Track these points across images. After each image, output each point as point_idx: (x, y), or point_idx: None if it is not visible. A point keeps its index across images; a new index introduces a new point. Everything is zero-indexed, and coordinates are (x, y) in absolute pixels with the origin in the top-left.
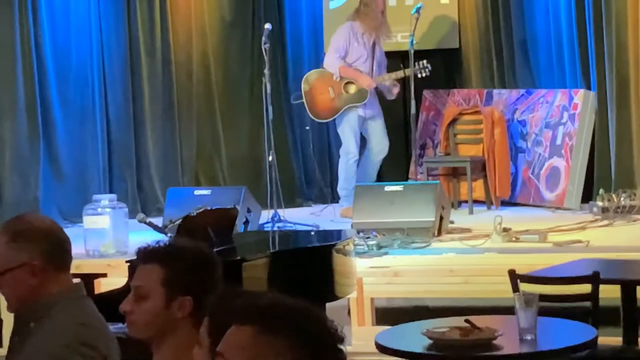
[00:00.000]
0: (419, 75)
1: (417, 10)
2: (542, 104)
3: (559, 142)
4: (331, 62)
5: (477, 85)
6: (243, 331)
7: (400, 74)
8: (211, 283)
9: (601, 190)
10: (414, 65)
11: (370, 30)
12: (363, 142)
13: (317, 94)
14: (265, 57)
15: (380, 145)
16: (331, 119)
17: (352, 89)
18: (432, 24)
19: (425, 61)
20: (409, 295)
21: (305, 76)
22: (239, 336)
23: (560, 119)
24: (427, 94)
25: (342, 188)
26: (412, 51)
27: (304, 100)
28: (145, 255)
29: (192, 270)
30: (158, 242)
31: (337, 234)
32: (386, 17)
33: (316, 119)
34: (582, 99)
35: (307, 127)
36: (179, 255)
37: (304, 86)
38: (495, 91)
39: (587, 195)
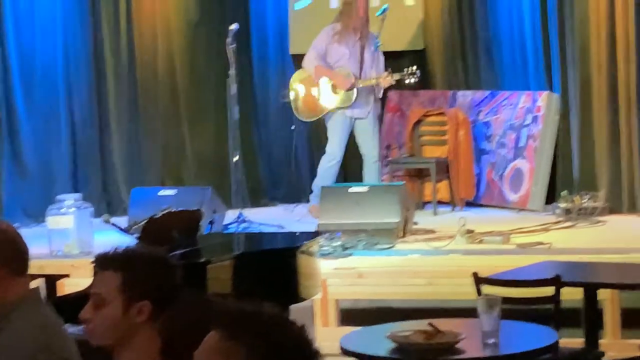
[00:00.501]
0: (407, 81)
1: (383, 12)
2: (506, 106)
3: (522, 143)
4: (307, 61)
5: (442, 86)
6: (210, 336)
7: (386, 80)
8: (169, 287)
9: (564, 192)
10: (404, 70)
11: (351, 30)
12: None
13: (304, 93)
14: (231, 58)
15: (366, 147)
16: (316, 118)
17: (340, 89)
18: (397, 26)
19: (414, 67)
20: (374, 297)
21: (293, 75)
22: (206, 340)
23: (523, 121)
24: (392, 95)
25: (315, 186)
26: (367, 55)
27: (290, 99)
28: (102, 262)
29: (149, 275)
30: (116, 248)
31: (302, 236)
32: (368, 20)
33: (302, 118)
34: (546, 101)
35: (293, 127)
36: (135, 260)
37: (292, 84)
38: (460, 93)
39: (551, 197)
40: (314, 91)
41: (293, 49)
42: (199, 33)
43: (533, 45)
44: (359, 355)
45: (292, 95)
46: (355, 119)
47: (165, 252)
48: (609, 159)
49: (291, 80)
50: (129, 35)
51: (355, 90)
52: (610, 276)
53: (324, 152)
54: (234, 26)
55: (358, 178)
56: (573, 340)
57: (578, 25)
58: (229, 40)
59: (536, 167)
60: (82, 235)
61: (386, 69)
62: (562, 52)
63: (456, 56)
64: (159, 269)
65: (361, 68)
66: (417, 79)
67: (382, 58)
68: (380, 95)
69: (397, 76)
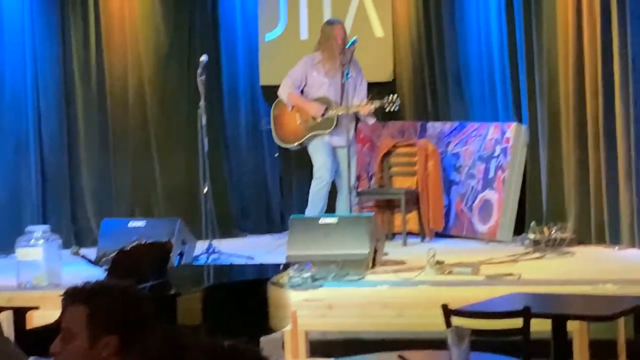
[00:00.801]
0: (387, 109)
1: (352, 44)
2: (475, 137)
3: (491, 175)
4: (281, 89)
5: (411, 117)
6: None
7: (366, 107)
8: (138, 321)
9: (533, 223)
10: (385, 99)
11: (330, 59)
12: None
13: (285, 120)
14: (201, 89)
15: (343, 177)
16: (295, 144)
17: (321, 116)
18: (367, 57)
19: (395, 95)
20: (343, 328)
21: (275, 101)
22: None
23: (492, 152)
24: (361, 126)
25: (307, 213)
26: (347, 83)
27: (271, 126)
28: (70, 295)
29: (116, 309)
30: (86, 282)
31: (272, 267)
32: (349, 50)
33: (281, 144)
34: (514, 132)
35: (277, 155)
36: (102, 294)
37: (273, 111)
38: (429, 124)
39: (519, 228)
40: (294, 118)
41: (263, 80)
42: (169, 64)
43: (502, 76)
44: None
45: (272, 122)
46: (335, 147)
47: (134, 284)
48: (577, 191)
49: (272, 107)
50: (99, 66)
51: (335, 117)
52: (579, 307)
53: (294, 183)
54: (203, 58)
55: (330, 207)
56: None
57: (546, 56)
58: (199, 71)
59: (505, 198)
60: (51, 267)
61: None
62: (530, 84)
63: (425, 87)
64: (126, 303)
65: (342, 97)
66: (397, 108)
67: (364, 87)
68: (371, 121)
69: (377, 103)
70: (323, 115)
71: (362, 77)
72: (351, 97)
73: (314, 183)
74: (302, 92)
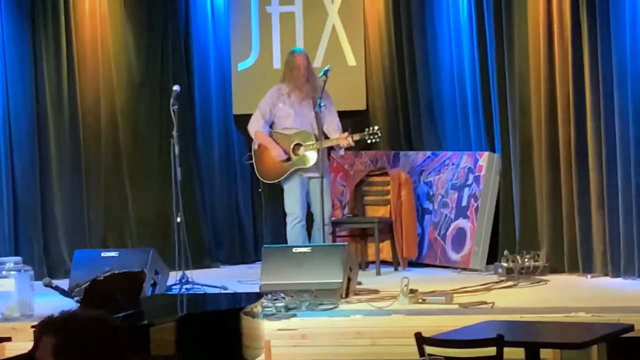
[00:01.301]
0: (369, 141)
1: (325, 73)
2: (448, 165)
3: (464, 203)
4: (250, 126)
5: (385, 146)
6: None
7: (346, 140)
8: (109, 351)
9: (506, 252)
10: (365, 131)
11: (295, 90)
12: None
13: (266, 155)
14: (174, 118)
15: (317, 207)
16: (277, 180)
17: (300, 151)
18: (339, 86)
19: (376, 127)
20: (317, 358)
21: None
22: None
23: (465, 180)
24: (334, 155)
25: None
26: (321, 113)
27: (253, 160)
28: (43, 326)
29: (86, 339)
30: (60, 312)
31: (245, 297)
32: (314, 78)
33: (263, 180)
34: (487, 161)
35: (260, 190)
36: (73, 324)
37: (253, 146)
38: (402, 153)
39: (493, 256)
40: (274, 153)
41: (236, 109)
42: (142, 93)
43: (474, 105)
44: None
45: (253, 157)
46: (309, 178)
47: (107, 313)
48: (550, 219)
49: (253, 141)
50: (71, 94)
51: (316, 152)
52: (552, 335)
53: (267, 213)
54: (176, 87)
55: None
56: None
57: (518, 85)
58: (171, 101)
59: (478, 226)
60: (23, 298)
61: (344, 128)
62: (502, 112)
63: (398, 117)
64: (100, 333)
65: (317, 127)
66: (378, 139)
67: (334, 115)
68: (342, 153)
69: (357, 136)
70: (286, 159)
71: (331, 105)
72: (324, 127)
73: (288, 220)
74: (272, 124)
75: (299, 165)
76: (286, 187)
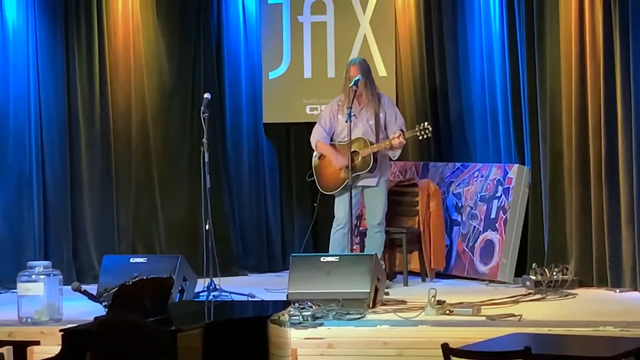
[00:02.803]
0: (420, 137)
1: (355, 83)
2: (477, 177)
3: (493, 215)
4: (311, 137)
5: (414, 157)
6: None
7: (396, 140)
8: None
9: (534, 265)
10: (416, 127)
11: (347, 101)
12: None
13: (325, 166)
14: (204, 126)
15: (370, 215)
16: (337, 190)
17: (357, 159)
18: None
19: (426, 123)
20: None
21: (314, 152)
22: None
23: (494, 192)
24: (392, 157)
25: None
26: (350, 123)
27: (314, 177)
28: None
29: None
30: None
31: (273, 305)
32: (372, 86)
33: (323, 192)
34: (517, 173)
35: (315, 204)
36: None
37: (314, 160)
38: (431, 164)
39: (521, 269)
40: (331, 164)
41: (266, 118)
42: (173, 100)
43: (504, 117)
44: None
45: (315, 171)
46: (364, 187)
47: (145, 320)
48: (579, 232)
49: (313, 156)
50: (102, 102)
51: (371, 156)
52: (579, 349)
53: (296, 221)
54: (207, 95)
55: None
56: None
57: (549, 98)
58: (202, 108)
59: (506, 239)
60: (52, 302)
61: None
62: (532, 124)
63: None
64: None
65: (375, 136)
66: (430, 134)
67: (392, 124)
68: (396, 156)
69: (409, 134)
70: (342, 167)
71: (392, 112)
72: (383, 133)
73: (333, 225)
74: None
75: (358, 172)
76: (337, 193)
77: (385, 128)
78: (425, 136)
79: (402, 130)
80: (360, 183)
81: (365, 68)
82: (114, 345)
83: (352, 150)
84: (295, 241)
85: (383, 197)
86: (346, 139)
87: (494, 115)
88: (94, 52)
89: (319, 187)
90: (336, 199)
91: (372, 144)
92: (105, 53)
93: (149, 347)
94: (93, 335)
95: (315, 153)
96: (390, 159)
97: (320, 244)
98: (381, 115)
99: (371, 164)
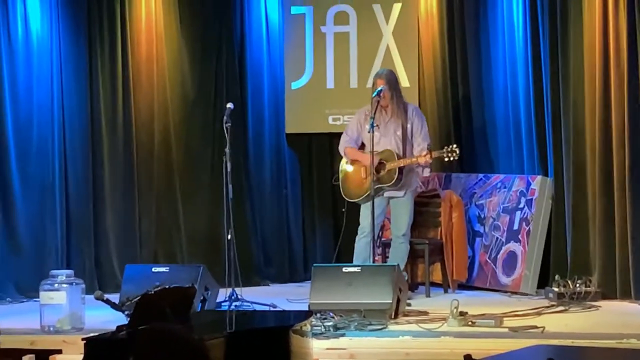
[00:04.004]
0: (446, 159)
1: (378, 94)
2: (500, 189)
3: (516, 227)
4: (340, 146)
5: (436, 168)
6: None
7: (424, 158)
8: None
9: (557, 276)
10: (444, 148)
11: (378, 111)
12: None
13: (351, 175)
14: (227, 136)
15: (395, 226)
16: (361, 199)
17: (384, 170)
18: None
19: (454, 145)
20: None
21: (342, 159)
22: None
23: (517, 204)
24: (418, 173)
25: (355, 261)
26: (373, 133)
27: (339, 181)
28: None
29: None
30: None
31: (295, 315)
32: (399, 98)
33: (348, 199)
34: (540, 185)
35: (344, 210)
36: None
37: (343, 165)
38: (454, 175)
39: (543, 281)
40: (359, 173)
41: (289, 128)
42: (195, 110)
43: (527, 129)
44: None
45: (340, 177)
46: (390, 198)
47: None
48: (603, 245)
49: (341, 163)
50: (125, 112)
51: (397, 169)
52: None
53: (317, 232)
54: (229, 105)
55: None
56: None
57: (572, 109)
58: (225, 118)
59: (529, 250)
60: (74, 311)
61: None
62: (556, 136)
63: (451, 138)
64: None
65: (402, 147)
66: (457, 157)
67: (417, 136)
68: (427, 173)
69: (436, 154)
70: (379, 172)
71: (420, 125)
72: (410, 145)
73: (358, 232)
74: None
75: (382, 184)
76: (362, 202)
77: (412, 137)
78: (452, 159)
79: (429, 150)
80: (386, 194)
81: (392, 79)
82: (156, 354)
83: (379, 160)
84: (317, 251)
85: (409, 208)
86: (374, 149)
87: (516, 126)
88: (117, 62)
89: (342, 194)
90: (362, 207)
91: (399, 156)
92: (128, 63)
93: (191, 357)
94: (125, 344)
95: (344, 160)
96: (420, 174)
97: (343, 253)
98: (408, 126)
99: (395, 177)
